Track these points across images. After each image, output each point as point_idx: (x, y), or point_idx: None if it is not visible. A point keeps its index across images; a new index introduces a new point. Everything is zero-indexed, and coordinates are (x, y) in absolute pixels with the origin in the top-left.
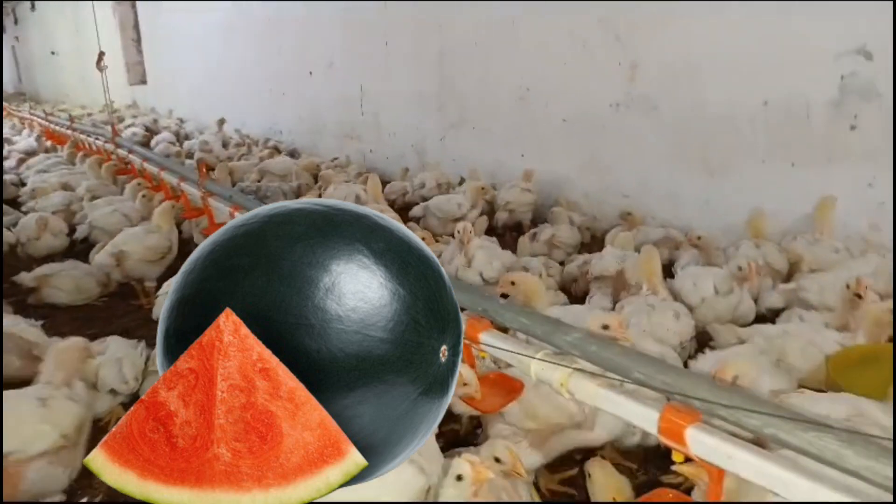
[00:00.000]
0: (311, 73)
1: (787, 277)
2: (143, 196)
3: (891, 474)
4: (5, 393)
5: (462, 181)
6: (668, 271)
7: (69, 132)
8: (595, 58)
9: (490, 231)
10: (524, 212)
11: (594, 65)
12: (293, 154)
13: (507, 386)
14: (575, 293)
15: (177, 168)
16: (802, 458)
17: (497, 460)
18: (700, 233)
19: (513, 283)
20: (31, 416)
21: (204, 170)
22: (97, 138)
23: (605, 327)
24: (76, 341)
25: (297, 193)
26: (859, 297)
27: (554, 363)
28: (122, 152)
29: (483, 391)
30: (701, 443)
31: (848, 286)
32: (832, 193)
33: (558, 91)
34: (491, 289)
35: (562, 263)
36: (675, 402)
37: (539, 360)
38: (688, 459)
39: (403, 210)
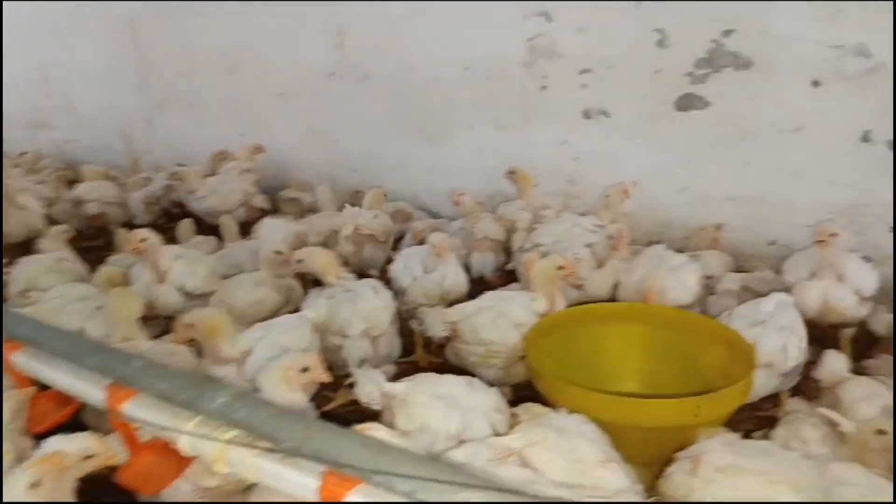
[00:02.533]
0: None
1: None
2: None
3: None
4: None
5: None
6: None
7: None
8: (301, 24)
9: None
10: (251, 195)
11: (301, 32)
12: None
13: (174, 456)
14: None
15: None
16: None
17: None
18: (423, 225)
19: (191, 326)
20: None
21: None
22: None
23: (306, 370)
24: None
25: None
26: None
27: (205, 436)
28: None
29: (150, 461)
30: None
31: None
32: (531, 156)
33: (269, 62)
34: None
35: None
36: (334, 469)
37: (188, 433)
38: None
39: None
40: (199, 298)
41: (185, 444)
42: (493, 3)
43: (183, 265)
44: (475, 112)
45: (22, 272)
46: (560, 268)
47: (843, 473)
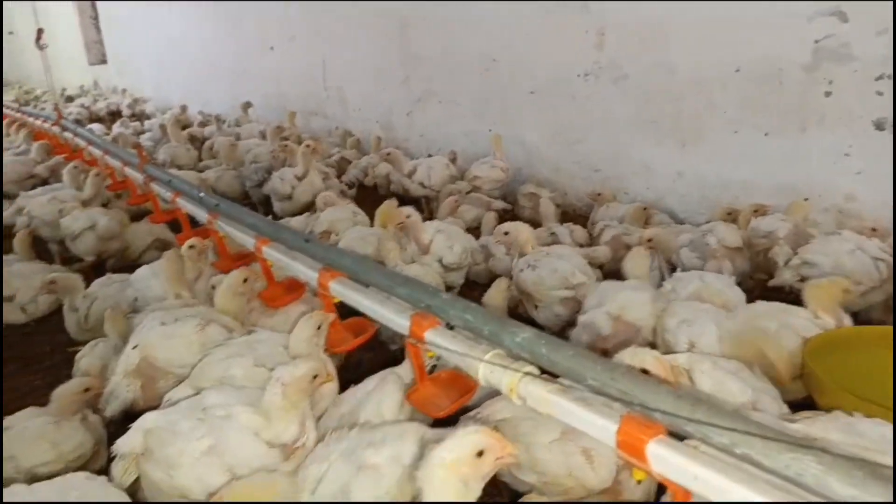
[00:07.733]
0: (272, 47)
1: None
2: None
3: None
4: None
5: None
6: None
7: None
8: (561, 26)
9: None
10: (491, 189)
11: (561, 33)
12: (263, 134)
13: (459, 386)
14: None
15: (120, 152)
16: (782, 482)
17: None
18: (651, 233)
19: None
20: None
21: (143, 153)
22: (45, 121)
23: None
24: None
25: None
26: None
27: (502, 366)
28: (67, 135)
29: (432, 391)
30: (664, 460)
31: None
32: (802, 167)
33: (525, 61)
34: (451, 276)
35: None
36: (635, 413)
37: (487, 362)
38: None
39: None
40: (454, 271)
41: (481, 374)
42: (775, 2)
43: (443, 239)
44: (740, 116)
45: (326, 217)
46: (846, 291)
47: None
